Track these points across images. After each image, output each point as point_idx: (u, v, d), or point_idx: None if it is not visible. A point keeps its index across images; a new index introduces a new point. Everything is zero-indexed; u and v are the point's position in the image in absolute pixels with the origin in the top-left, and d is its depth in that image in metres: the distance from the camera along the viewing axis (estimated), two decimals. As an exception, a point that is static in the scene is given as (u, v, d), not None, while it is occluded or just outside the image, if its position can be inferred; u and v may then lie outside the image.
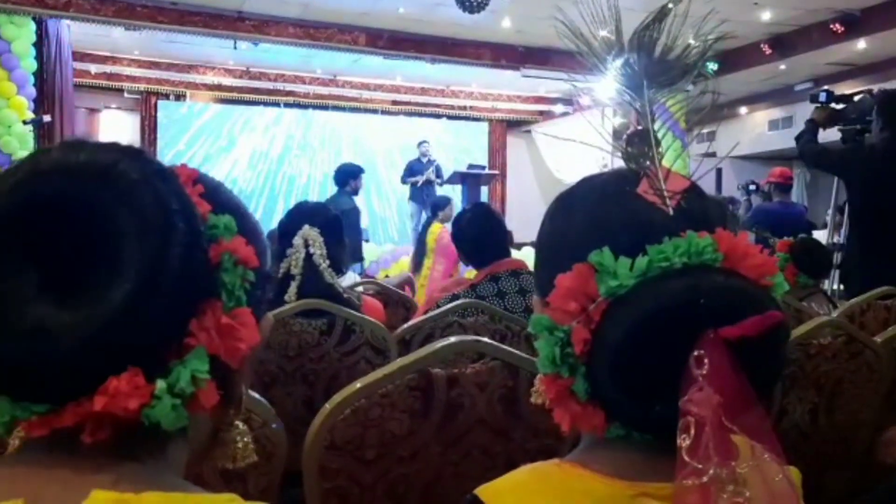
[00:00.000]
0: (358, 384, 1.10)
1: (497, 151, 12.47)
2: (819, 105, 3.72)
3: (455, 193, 8.78)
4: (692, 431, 0.54)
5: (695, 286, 0.57)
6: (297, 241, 2.06)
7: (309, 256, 2.06)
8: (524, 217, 8.88)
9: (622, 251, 0.59)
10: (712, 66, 8.22)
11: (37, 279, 0.49)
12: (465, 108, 11.90)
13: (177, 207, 0.52)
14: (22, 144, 6.83)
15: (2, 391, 0.50)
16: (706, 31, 0.69)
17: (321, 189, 11.09)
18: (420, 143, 9.12)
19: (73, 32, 8.14)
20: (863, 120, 3.58)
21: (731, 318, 0.56)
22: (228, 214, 0.57)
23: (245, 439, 0.63)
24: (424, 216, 8.84)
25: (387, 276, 7.16)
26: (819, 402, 1.53)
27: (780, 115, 10.88)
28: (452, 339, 1.19)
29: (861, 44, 7.93)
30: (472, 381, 1.15)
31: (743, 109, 11.23)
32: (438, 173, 8.78)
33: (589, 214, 0.66)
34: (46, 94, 7.64)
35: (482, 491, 0.62)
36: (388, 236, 11.17)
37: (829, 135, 3.72)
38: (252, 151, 11.10)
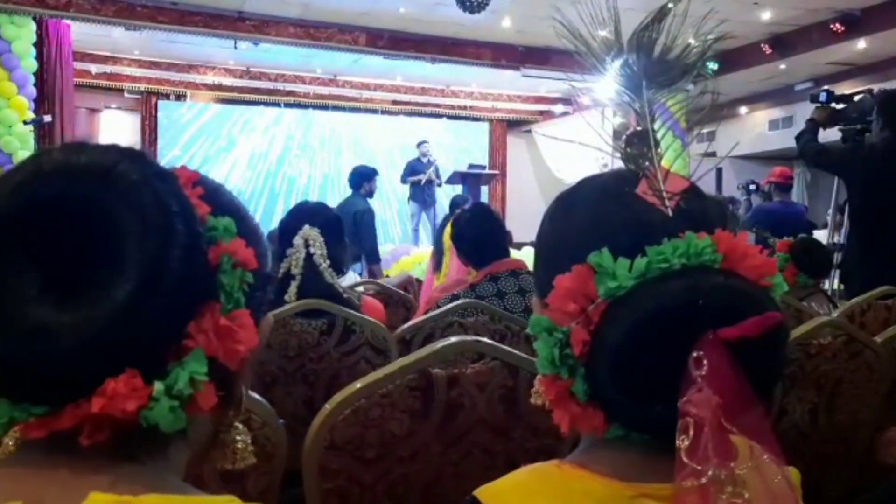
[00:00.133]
0: (358, 384, 1.10)
1: (497, 151, 12.47)
2: (819, 105, 3.72)
3: (455, 193, 8.77)
4: (691, 432, 0.54)
5: (694, 287, 0.57)
6: (298, 241, 2.07)
7: (309, 256, 2.06)
8: (524, 217, 8.88)
9: (621, 252, 0.59)
10: (712, 66, 8.24)
11: (37, 280, 0.49)
12: (465, 107, 11.90)
13: (176, 209, 0.52)
14: (22, 144, 6.84)
15: (1, 392, 0.50)
16: (706, 30, 0.69)
17: (321, 190, 11.10)
18: (420, 144, 9.11)
19: (74, 32, 8.14)
20: (863, 120, 3.58)
21: (730, 318, 0.56)
22: (228, 216, 0.57)
23: (244, 441, 0.63)
24: (424, 216, 8.85)
25: (387, 276, 7.15)
26: (819, 402, 1.53)
27: (781, 114, 10.88)
28: (453, 339, 1.19)
29: (861, 43, 7.93)
30: (473, 381, 1.15)
31: (743, 109, 11.23)
32: (437, 174, 8.78)
33: (588, 215, 0.66)
34: (47, 94, 7.64)
35: (481, 492, 0.62)
36: (389, 236, 11.17)
37: (830, 135, 3.72)
38: (252, 151, 11.10)
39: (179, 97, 10.82)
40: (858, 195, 3.40)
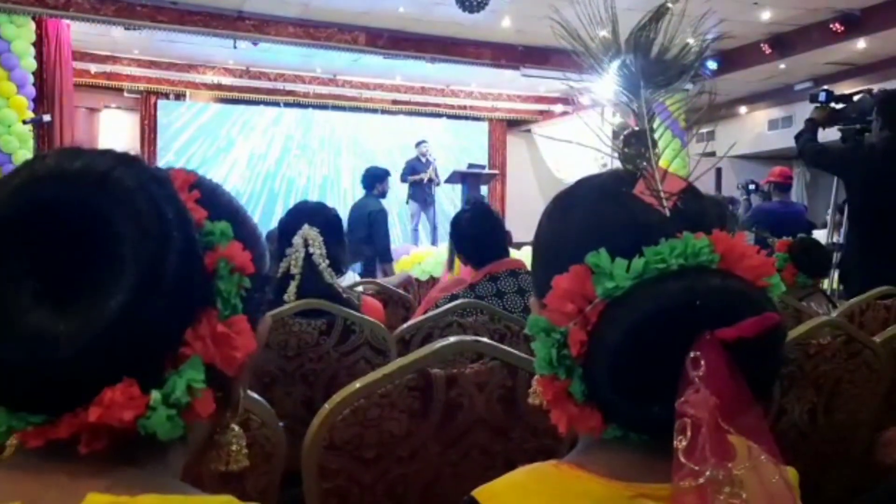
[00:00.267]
0: (357, 384, 1.10)
1: (497, 151, 12.47)
2: (819, 105, 3.72)
3: (455, 193, 8.76)
4: (689, 433, 0.54)
5: (691, 288, 0.57)
6: (297, 240, 2.06)
7: (308, 256, 2.06)
8: (524, 217, 8.87)
9: (619, 252, 0.59)
10: (712, 65, 8.23)
11: (33, 287, 0.48)
12: (464, 107, 11.90)
13: (172, 215, 0.52)
14: (22, 144, 6.83)
15: None
16: (704, 30, 0.69)
17: (320, 191, 11.08)
18: (419, 143, 9.08)
19: (73, 32, 8.14)
20: (863, 119, 3.58)
21: (727, 319, 0.56)
22: (225, 219, 0.56)
23: (239, 444, 0.63)
24: (424, 216, 8.84)
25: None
26: (818, 402, 1.52)
27: (780, 114, 10.88)
28: (452, 339, 1.19)
29: (861, 43, 7.93)
30: (472, 381, 1.15)
31: (742, 109, 11.23)
32: (436, 174, 8.77)
33: (586, 215, 0.66)
34: (46, 93, 7.63)
35: (479, 493, 0.62)
36: (388, 236, 11.16)
37: (829, 134, 3.72)
38: (251, 152, 11.09)
39: (179, 97, 10.81)
40: (858, 195, 3.40)
